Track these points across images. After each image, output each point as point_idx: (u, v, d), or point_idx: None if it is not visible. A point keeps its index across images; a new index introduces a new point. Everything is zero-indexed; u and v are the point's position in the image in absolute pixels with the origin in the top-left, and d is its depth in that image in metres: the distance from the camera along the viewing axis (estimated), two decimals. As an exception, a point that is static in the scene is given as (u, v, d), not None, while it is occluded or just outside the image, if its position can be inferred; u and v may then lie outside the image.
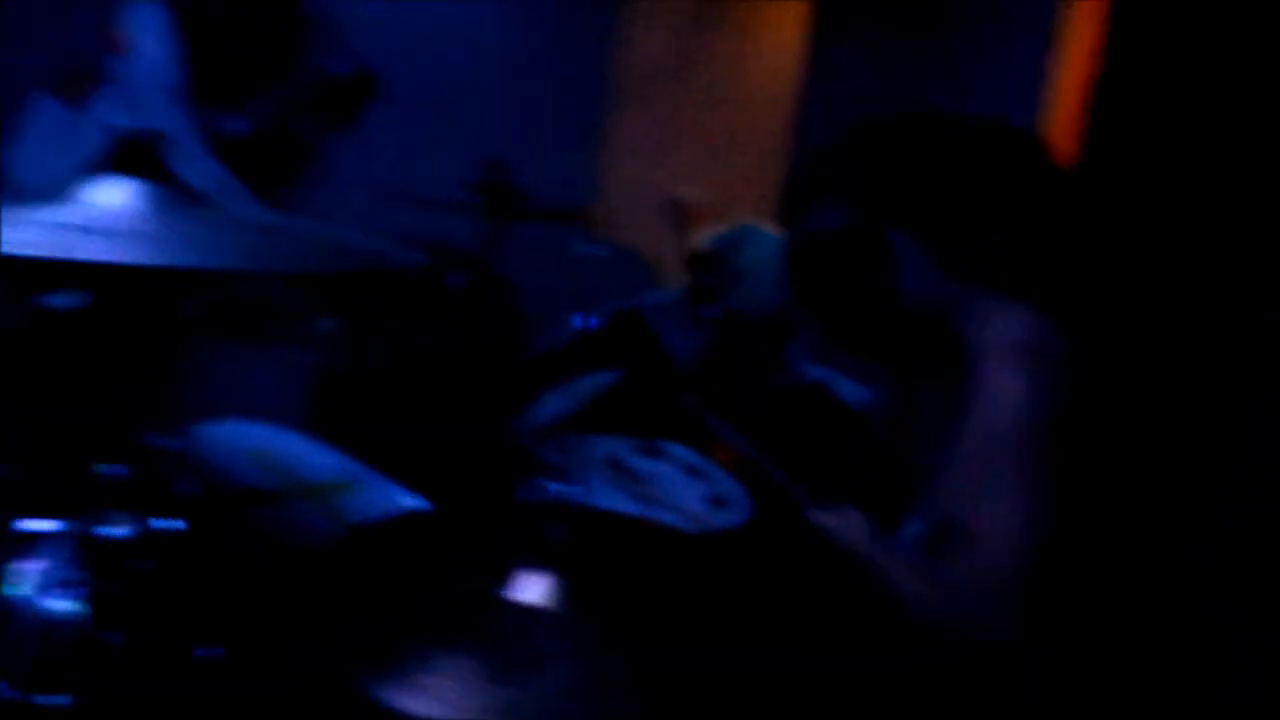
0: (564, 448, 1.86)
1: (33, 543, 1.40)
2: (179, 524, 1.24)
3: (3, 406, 2.76)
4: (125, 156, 1.08)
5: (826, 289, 1.41)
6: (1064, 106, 2.76)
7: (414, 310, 2.35)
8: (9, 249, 1.02)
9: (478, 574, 1.06)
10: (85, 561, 1.25)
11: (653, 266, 2.93)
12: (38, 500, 1.50)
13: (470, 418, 1.91)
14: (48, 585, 1.29)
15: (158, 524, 1.24)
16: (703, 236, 2.42)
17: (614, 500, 1.73)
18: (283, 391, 1.99)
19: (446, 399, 2.02)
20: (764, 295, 2.33)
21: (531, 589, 1.03)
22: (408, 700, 0.91)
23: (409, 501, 1.37)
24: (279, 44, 2.97)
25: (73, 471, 1.56)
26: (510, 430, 1.92)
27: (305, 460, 1.37)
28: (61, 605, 1.27)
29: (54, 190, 2.73)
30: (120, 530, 1.31)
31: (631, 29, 2.98)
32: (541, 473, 1.65)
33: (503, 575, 1.03)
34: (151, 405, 2.93)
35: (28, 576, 1.34)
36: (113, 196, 1.07)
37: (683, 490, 1.77)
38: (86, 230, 1.03)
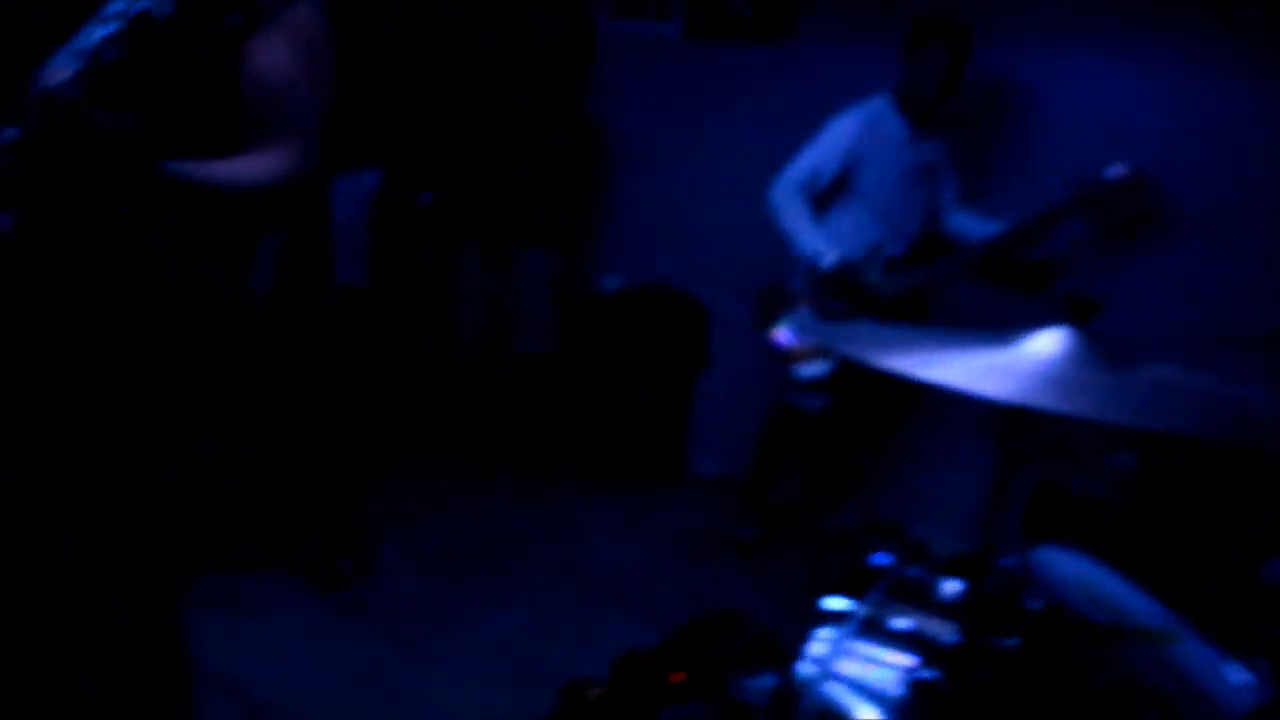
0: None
1: (828, 619, 1.61)
2: (1016, 641, 1.33)
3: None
4: (1068, 308, 1.19)
5: None
6: None
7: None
8: (936, 380, 1.20)
9: None
10: (927, 659, 1.38)
11: None
12: (835, 581, 1.72)
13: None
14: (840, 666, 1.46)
15: (998, 639, 1.33)
16: None
17: None
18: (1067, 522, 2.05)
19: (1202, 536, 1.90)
20: None
21: None
22: None
23: (1240, 675, 1.30)
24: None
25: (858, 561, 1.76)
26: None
27: (1130, 602, 1.38)
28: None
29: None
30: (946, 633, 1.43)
31: None
32: None
33: None
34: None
35: (817, 651, 1.53)
36: (1047, 344, 1.20)
37: None
38: (1014, 376, 1.16)
